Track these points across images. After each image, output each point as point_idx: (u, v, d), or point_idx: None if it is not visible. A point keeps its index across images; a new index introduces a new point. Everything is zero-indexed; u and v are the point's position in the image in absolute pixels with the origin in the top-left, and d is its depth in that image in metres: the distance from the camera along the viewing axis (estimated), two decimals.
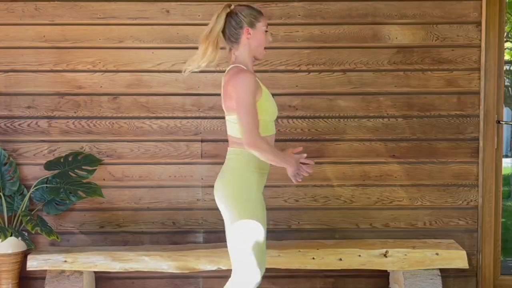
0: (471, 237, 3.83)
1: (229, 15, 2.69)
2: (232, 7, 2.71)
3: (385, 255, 3.50)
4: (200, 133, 3.79)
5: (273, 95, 2.80)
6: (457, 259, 3.50)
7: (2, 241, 3.45)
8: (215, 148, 3.76)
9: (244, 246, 2.62)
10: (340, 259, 3.50)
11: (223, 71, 3.71)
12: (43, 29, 3.75)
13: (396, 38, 3.77)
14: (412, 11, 3.76)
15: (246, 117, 2.58)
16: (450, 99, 3.79)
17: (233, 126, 2.69)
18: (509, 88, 6.99)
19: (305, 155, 2.74)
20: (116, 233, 3.82)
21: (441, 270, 3.56)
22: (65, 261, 3.47)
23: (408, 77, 3.78)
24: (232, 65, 2.72)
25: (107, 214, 3.81)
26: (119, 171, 3.80)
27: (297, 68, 3.76)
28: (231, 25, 2.69)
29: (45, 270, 3.52)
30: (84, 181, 3.66)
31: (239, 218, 2.63)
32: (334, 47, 3.77)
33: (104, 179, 3.79)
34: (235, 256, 2.66)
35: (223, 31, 2.71)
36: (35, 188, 3.66)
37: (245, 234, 2.62)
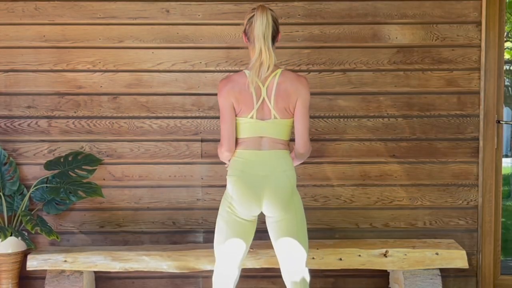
0: (471, 237, 3.83)
1: (272, 17, 2.74)
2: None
3: (385, 255, 3.50)
4: (200, 133, 3.80)
5: None
6: (457, 259, 3.50)
7: (2, 241, 3.45)
8: (215, 148, 3.74)
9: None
10: (340, 259, 3.50)
11: (223, 71, 3.75)
12: (43, 29, 3.75)
13: (396, 38, 3.77)
14: (412, 11, 3.76)
15: (308, 120, 2.79)
16: (450, 99, 3.79)
17: (287, 129, 2.78)
18: (509, 88, 6.99)
19: None
20: (116, 233, 3.82)
21: (441, 270, 3.56)
22: (65, 261, 3.47)
23: (408, 77, 3.78)
24: (281, 68, 2.79)
25: (107, 214, 3.82)
26: (119, 171, 3.80)
27: (297, 68, 3.76)
28: (275, 27, 2.75)
29: (45, 270, 3.52)
30: (84, 181, 3.66)
31: (302, 213, 2.83)
32: (334, 47, 3.77)
33: (104, 179, 3.79)
34: (303, 246, 2.78)
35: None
36: (35, 188, 3.66)
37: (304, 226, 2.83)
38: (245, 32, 2.78)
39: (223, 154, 2.81)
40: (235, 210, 2.76)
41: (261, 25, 2.67)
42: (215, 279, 2.83)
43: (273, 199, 2.72)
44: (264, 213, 2.79)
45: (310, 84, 3.75)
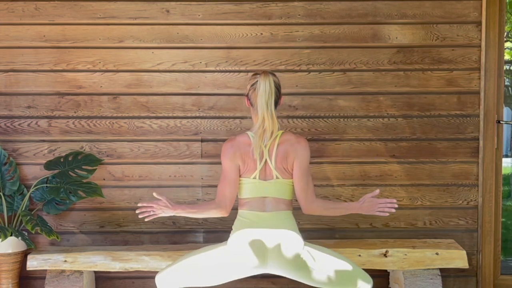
0: (471, 237, 3.83)
1: (275, 83, 2.80)
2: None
3: (385, 255, 3.50)
4: (200, 133, 3.80)
5: None
6: (457, 259, 3.50)
7: (2, 241, 3.45)
8: (215, 148, 3.76)
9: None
10: None
11: (223, 71, 3.75)
12: (43, 29, 3.75)
13: (396, 38, 3.77)
14: (412, 11, 3.76)
15: (308, 180, 2.82)
16: (450, 99, 3.79)
17: (289, 188, 2.83)
18: (509, 88, 6.99)
19: (376, 191, 2.85)
20: (116, 233, 3.82)
21: (441, 270, 3.56)
22: (65, 261, 3.47)
23: (408, 77, 3.78)
24: (282, 130, 2.87)
25: (107, 214, 3.82)
26: (119, 171, 3.80)
27: (297, 68, 3.76)
28: (277, 92, 2.82)
29: (45, 270, 3.52)
30: (84, 181, 3.66)
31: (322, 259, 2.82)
32: (334, 47, 3.77)
33: (104, 179, 3.79)
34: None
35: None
36: (35, 188, 3.66)
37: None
38: (248, 97, 2.86)
39: (215, 215, 2.86)
40: (228, 263, 2.79)
41: (264, 94, 2.75)
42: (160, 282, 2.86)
43: (280, 262, 2.76)
44: (275, 273, 2.83)
45: (310, 84, 3.78)
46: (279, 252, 2.74)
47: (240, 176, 2.83)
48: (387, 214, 2.84)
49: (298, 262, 2.75)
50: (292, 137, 2.86)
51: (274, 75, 2.84)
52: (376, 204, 2.83)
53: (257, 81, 2.79)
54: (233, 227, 2.87)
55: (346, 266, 2.81)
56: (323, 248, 2.90)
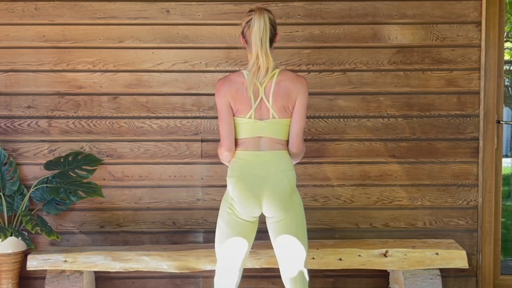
0: (471, 237, 3.83)
1: (270, 20, 2.74)
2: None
3: (385, 255, 3.50)
4: (200, 133, 3.80)
5: None
6: (457, 259, 3.50)
7: (2, 241, 3.45)
8: (215, 148, 3.74)
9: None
10: (340, 259, 3.50)
11: (223, 71, 3.75)
12: (43, 29, 3.75)
13: (396, 38, 3.77)
14: (412, 11, 3.76)
15: (304, 122, 2.79)
16: (450, 99, 3.79)
17: (285, 128, 2.78)
18: (509, 88, 6.99)
19: None
20: (116, 233, 3.82)
21: (441, 270, 3.56)
22: (65, 261, 3.47)
23: (408, 77, 3.78)
24: (279, 68, 2.80)
25: (107, 214, 3.82)
26: (119, 171, 3.80)
27: (297, 68, 3.76)
28: (272, 29, 2.75)
29: (45, 270, 3.52)
30: (84, 181, 3.66)
31: (302, 213, 2.83)
32: (334, 47, 3.77)
33: (104, 179, 3.79)
34: (303, 246, 2.79)
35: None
36: (35, 188, 3.66)
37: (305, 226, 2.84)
38: (243, 34, 2.79)
39: (223, 154, 2.81)
40: (235, 211, 2.76)
41: (258, 30, 2.68)
42: (217, 280, 2.83)
43: (273, 200, 2.72)
44: (264, 213, 2.79)
45: (310, 84, 3.77)
46: (273, 188, 2.71)
47: (234, 116, 2.76)
48: None
49: (287, 205, 2.74)
50: (292, 75, 2.78)
51: (270, 12, 2.75)
52: None
53: (251, 18, 2.71)
54: (228, 168, 2.82)
55: (306, 246, 2.81)
56: (303, 214, 2.85)
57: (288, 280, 2.81)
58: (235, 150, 2.80)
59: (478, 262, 3.82)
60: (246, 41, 2.78)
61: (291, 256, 2.77)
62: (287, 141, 2.81)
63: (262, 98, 2.72)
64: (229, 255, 2.80)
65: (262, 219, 2.83)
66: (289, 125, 2.78)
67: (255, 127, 2.74)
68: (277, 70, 2.75)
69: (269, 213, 2.76)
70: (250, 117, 2.73)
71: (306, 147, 2.93)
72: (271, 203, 2.72)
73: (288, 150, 2.81)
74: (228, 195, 2.79)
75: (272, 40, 2.75)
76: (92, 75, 3.78)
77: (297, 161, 2.90)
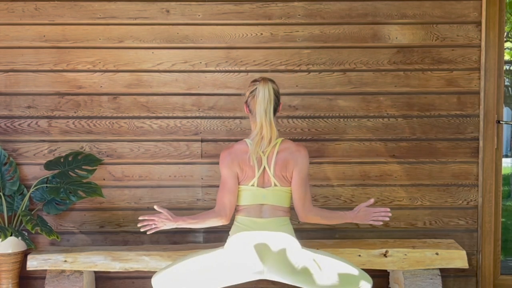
0: (471, 237, 3.83)
1: (274, 91, 2.80)
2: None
3: (385, 255, 3.50)
4: (200, 133, 3.80)
5: None
6: (457, 259, 3.50)
7: (2, 240, 3.45)
8: (215, 148, 3.77)
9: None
10: None
11: (223, 71, 3.75)
12: (43, 29, 3.75)
13: (396, 38, 3.77)
14: (412, 11, 3.76)
15: (306, 189, 2.82)
16: (450, 99, 3.79)
17: (287, 196, 2.83)
18: (509, 88, 7.00)
19: (371, 200, 2.91)
20: (116, 233, 3.82)
21: (441, 270, 3.56)
22: (65, 261, 3.47)
23: (408, 77, 3.78)
24: (281, 138, 2.87)
25: (107, 214, 3.82)
26: (119, 171, 3.80)
27: (297, 68, 3.76)
28: (276, 100, 2.82)
29: (45, 270, 3.52)
30: (84, 181, 3.66)
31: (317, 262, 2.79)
32: (334, 47, 3.77)
33: (104, 179, 3.79)
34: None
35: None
36: (35, 188, 3.66)
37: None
38: (246, 103, 2.86)
39: (216, 223, 2.85)
40: (225, 266, 2.77)
41: (263, 100, 2.74)
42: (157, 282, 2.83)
43: (277, 268, 2.74)
44: (271, 279, 2.81)
45: (310, 84, 3.78)
46: (277, 255, 2.73)
47: (238, 184, 2.83)
48: (381, 223, 2.89)
49: (297, 266, 2.73)
50: (292, 145, 2.85)
51: (273, 82, 2.83)
52: (371, 214, 2.89)
53: (256, 88, 2.79)
54: (230, 232, 2.87)
55: (347, 268, 2.80)
56: (321, 251, 2.90)
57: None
58: (236, 215, 2.86)
59: (478, 262, 3.82)
60: (250, 111, 2.85)
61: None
62: (289, 209, 2.87)
63: (264, 167, 2.79)
64: (178, 281, 2.79)
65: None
66: (291, 193, 2.84)
67: (257, 194, 2.80)
68: (279, 140, 2.83)
69: (279, 279, 2.79)
70: (253, 185, 2.80)
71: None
72: (276, 271, 2.75)
73: (289, 217, 2.87)
74: (225, 253, 2.81)
75: (275, 110, 2.82)
76: (92, 75, 3.78)
77: (326, 222, 3.00)
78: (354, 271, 2.80)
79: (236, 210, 2.87)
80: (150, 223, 2.82)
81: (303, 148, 2.86)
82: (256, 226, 2.79)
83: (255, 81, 2.84)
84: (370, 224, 3.81)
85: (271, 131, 2.76)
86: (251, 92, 2.82)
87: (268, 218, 2.80)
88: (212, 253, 2.85)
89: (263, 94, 2.74)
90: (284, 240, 2.76)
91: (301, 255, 2.76)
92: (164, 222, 2.81)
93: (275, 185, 2.80)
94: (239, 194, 2.83)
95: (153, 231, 2.84)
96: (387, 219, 2.88)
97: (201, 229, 3.81)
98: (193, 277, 2.77)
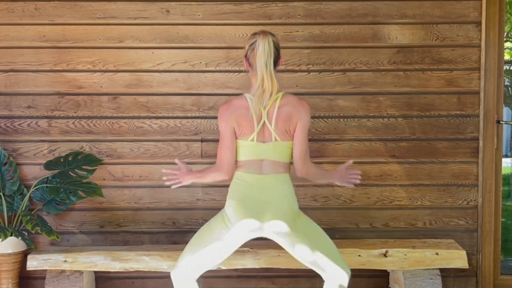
0: (471, 237, 3.83)
1: (274, 43, 2.76)
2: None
3: (385, 255, 3.50)
4: (200, 133, 3.80)
5: None
6: (457, 259, 3.50)
7: (2, 240, 3.45)
8: (215, 148, 3.73)
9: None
10: None
11: (223, 71, 3.75)
12: (43, 29, 3.75)
13: (396, 38, 3.77)
14: (412, 11, 3.76)
15: (307, 144, 2.81)
16: (450, 99, 3.79)
17: (287, 151, 2.81)
18: (509, 88, 7.00)
19: (350, 162, 2.99)
20: (116, 233, 3.82)
21: (441, 270, 3.56)
22: (65, 261, 3.47)
23: (408, 77, 3.78)
24: (283, 92, 2.82)
25: (107, 214, 3.82)
26: (119, 171, 3.80)
27: (297, 68, 3.76)
28: (276, 52, 2.78)
29: (45, 270, 3.52)
30: (84, 181, 3.66)
31: (311, 226, 2.88)
32: (334, 47, 3.77)
33: (104, 179, 3.79)
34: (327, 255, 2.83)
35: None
36: (35, 188, 3.66)
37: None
38: (246, 57, 2.83)
39: (216, 178, 2.84)
40: (226, 233, 2.77)
41: (263, 53, 2.71)
42: (176, 278, 2.85)
43: (276, 225, 2.74)
44: (271, 238, 2.81)
45: (310, 84, 3.78)
46: (275, 213, 2.72)
47: (236, 139, 2.80)
48: (353, 186, 3.00)
49: (293, 227, 2.74)
50: (294, 99, 2.81)
51: (273, 35, 2.78)
52: (346, 175, 2.96)
53: (255, 40, 2.74)
54: (229, 189, 2.84)
55: (333, 247, 2.86)
56: (315, 225, 2.90)
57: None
58: (236, 171, 2.84)
59: (478, 262, 3.82)
60: (250, 64, 2.81)
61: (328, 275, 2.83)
62: (289, 164, 2.85)
63: (264, 121, 2.76)
64: (195, 268, 2.82)
65: None
66: (291, 148, 2.82)
67: (257, 149, 2.77)
68: (280, 94, 2.79)
69: (276, 238, 2.78)
70: (252, 140, 2.77)
71: (311, 173, 2.93)
72: (274, 228, 2.74)
73: (289, 173, 2.85)
74: (225, 216, 2.81)
75: (275, 63, 2.79)
76: (92, 75, 3.78)
77: (318, 180, 3.05)
78: (338, 254, 2.85)
79: (236, 166, 2.83)
80: (174, 177, 2.89)
81: (305, 102, 2.83)
82: (256, 182, 2.77)
83: (254, 34, 2.79)
84: (370, 224, 3.82)
85: (272, 84, 2.72)
86: (250, 45, 2.77)
87: (268, 174, 2.77)
88: (213, 223, 2.85)
89: (263, 47, 2.70)
90: (283, 201, 2.76)
91: (298, 217, 2.80)
92: (183, 177, 2.88)
93: (276, 139, 2.76)
94: (238, 149, 2.80)
95: (177, 185, 2.89)
96: (358, 181, 2.97)
97: None
98: (205, 256, 2.79)
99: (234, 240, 2.78)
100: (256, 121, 2.75)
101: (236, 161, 2.83)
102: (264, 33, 2.75)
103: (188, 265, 2.82)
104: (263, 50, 2.70)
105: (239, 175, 2.81)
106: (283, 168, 2.81)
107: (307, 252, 2.78)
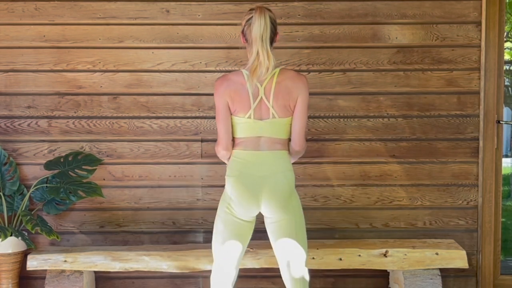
0: (471, 237, 3.83)
1: (270, 19, 2.73)
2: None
3: (385, 255, 3.50)
4: (200, 133, 3.80)
5: None
6: (457, 259, 3.50)
7: (2, 240, 3.45)
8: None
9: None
10: (340, 259, 3.50)
11: (223, 71, 3.75)
12: (43, 29, 3.75)
13: (396, 38, 3.77)
14: (412, 11, 3.76)
15: (306, 119, 2.80)
16: (450, 99, 3.79)
17: (285, 128, 2.77)
18: (509, 88, 7.00)
19: None
20: (116, 233, 3.82)
21: (441, 270, 3.56)
22: (65, 261, 3.47)
23: (408, 77, 3.78)
24: (281, 67, 2.80)
25: (107, 214, 3.82)
26: (119, 171, 3.80)
27: (297, 68, 3.76)
28: (273, 28, 2.74)
29: (45, 270, 3.52)
30: (84, 181, 3.66)
31: (301, 213, 2.82)
32: (334, 47, 3.77)
33: (104, 179, 3.79)
34: (302, 246, 2.79)
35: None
36: (35, 188, 3.66)
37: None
38: (243, 33, 2.78)
39: (220, 152, 2.83)
40: (233, 210, 2.77)
41: (259, 27, 2.66)
42: (213, 279, 2.84)
43: (272, 200, 2.72)
44: (263, 213, 2.79)
45: (310, 84, 3.76)
46: (272, 187, 2.71)
47: (232, 115, 2.76)
48: None
49: (287, 204, 2.74)
50: (293, 73, 2.78)
51: (270, 11, 2.74)
52: None
53: (252, 16, 2.71)
54: (227, 167, 2.82)
55: (306, 240, 2.82)
56: (302, 215, 2.86)
57: (289, 281, 2.81)
58: (234, 149, 2.80)
59: (478, 262, 3.82)
60: (246, 40, 2.76)
61: (291, 257, 2.77)
62: (287, 141, 2.81)
63: (261, 97, 2.71)
64: (226, 254, 2.80)
65: (260, 219, 2.83)
66: (290, 124, 2.78)
67: (254, 127, 2.73)
68: (277, 69, 2.74)
69: (268, 213, 2.76)
70: (249, 117, 2.72)
71: (306, 147, 2.93)
72: (270, 203, 2.72)
73: (287, 150, 2.82)
74: (226, 195, 2.80)
75: (272, 39, 2.74)
76: (92, 75, 3.78)
77: (296, 159, 2.92)
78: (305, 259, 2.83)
79: (234, 143, 2.81)
80: None
81: (304, 76, 2.80)
82: (254, 159, 2.74)
83: (251, 9, 2.76)
84: (370, 224, 3.82)
85: (268, 59, 2.67)
86: (247, 21, 2.73)
87: (265, 151, 2.75)
88: (218, 214, 2.83)
89: (259, 22, 2.66)
90: (280, 176, 2.74)
91: (293, 195, 2.78)
92: None
93: (274, 116, 2.72)
94: (235, 127, 2.77)
95: None
96: None
97: (201, 229, 3.81)
98: (228, 251, 2.78)
99: (241, 214, 2.76)
100: (253, 98, 2.71)
101: (234, 139, 2.80)
102: (260, 8, 2.71)
103: (219, 256, 2.81)
104: (259, 25, 2.66)
105: (237, 152, 2.78)
106: (280, 145, 2.78)
107: (291, 232, 2.75)
